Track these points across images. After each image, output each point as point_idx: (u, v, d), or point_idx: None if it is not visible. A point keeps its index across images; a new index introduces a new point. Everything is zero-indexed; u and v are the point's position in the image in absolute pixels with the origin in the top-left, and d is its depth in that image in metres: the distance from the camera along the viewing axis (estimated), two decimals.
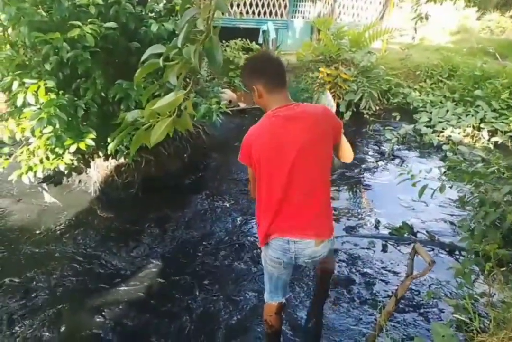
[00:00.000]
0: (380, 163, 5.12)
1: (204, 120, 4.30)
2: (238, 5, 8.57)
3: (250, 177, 1.90)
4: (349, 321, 2.51)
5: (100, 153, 4.20)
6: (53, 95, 3.48)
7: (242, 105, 7.09)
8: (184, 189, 4.39)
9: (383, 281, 2.86)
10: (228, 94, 6.58)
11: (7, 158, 3.93)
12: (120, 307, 2.66)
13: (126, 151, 3.91)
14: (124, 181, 4.14)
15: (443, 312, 2.60)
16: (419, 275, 1.94)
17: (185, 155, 4.77)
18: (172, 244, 3.34)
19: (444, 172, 4.71)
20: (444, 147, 5.59)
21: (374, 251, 3.22)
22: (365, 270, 2.97)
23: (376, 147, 5.70)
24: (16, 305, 2.64)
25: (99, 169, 4.25)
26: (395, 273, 2.94)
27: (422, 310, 2.61)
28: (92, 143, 3.66)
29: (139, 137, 1.30)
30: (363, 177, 4.72)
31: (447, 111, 6.49)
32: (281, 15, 8.98)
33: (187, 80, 3.46)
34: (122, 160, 4.12)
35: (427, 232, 3.48)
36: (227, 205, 4.02)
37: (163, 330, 2.47)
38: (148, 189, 4.13)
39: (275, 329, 2.11)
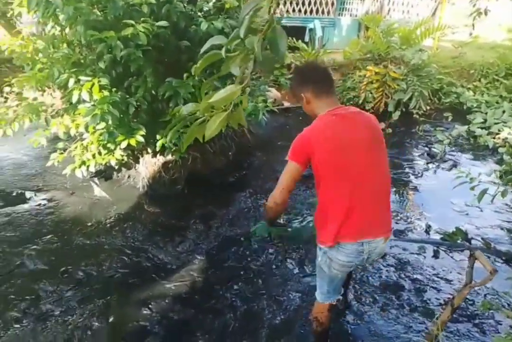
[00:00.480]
0: (430, 165, 4.90)
1: (250, 118, 4.29)
2: (284, 4, 8.51)
3: (290, 178, 1.72)
4: (398, 328, 2.41)
5: (149, 150, 4.29)
6: (106, 93, 3.59)
7: (287, 104, 7.03)
8: (228, 186, 4.40)
9: (434, 288, 2.72)
10: (273, 92, 6.54)
11: (61, 153, 4.10)
12: (166, 301, 2.69)
13: (174, 148, 3.97)
14: (171, 177, 4.21)
15: (500, 324, 2.45)
16: (479, 284, 1.82)
17: (230, 153, 4.79)
18: (216, 241, 3.35)
19: (500, 176, 4.46)
20: (500, 150, 5.27)
21: (425, 257, 3.08)
22: (415, 276, 2.84)
23: (426, 149, 5.46)
24: (69, 294, 2.74)
25: (147, 165, 4.35)
26: (448, 281, 2.79)
27: (477, 321, 2.46)
28: (142, 139, 3.74)
29: (193, 132, 1.29)
30: (412, 180, 4.54)
31: (504, 112, 6.13)
32: (328, 13, 8.83)
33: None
34: (169, 157, 4.19)
35: (482, 238, 3.29)
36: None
37: (207, 326, 2.48)
38: (193, 185, 4.18)
39: (325, 326, 2.09)
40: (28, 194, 4.09)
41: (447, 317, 1.91)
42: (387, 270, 2.90)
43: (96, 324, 2.47)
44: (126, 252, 3.21)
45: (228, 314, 2.57)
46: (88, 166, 4.03)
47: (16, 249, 3.20)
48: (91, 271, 2.98)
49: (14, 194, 4.10)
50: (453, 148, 5.49)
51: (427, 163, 4.98)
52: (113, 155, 4.04)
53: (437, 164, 4.96)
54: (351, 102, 6.60)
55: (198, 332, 2.42)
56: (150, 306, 2.64)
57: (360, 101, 6.45)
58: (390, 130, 5.83)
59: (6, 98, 6.64)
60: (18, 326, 2.46)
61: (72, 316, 2.54)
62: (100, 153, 4.08)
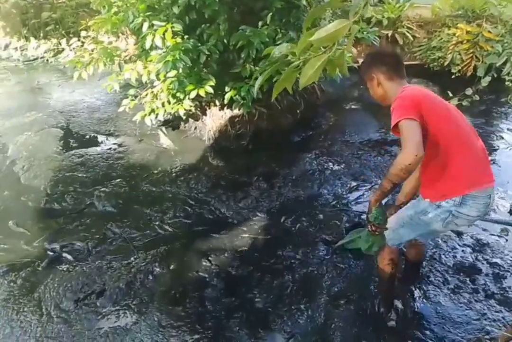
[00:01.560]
0: None
1: (323, 74, 3.98)
2: None
3: (418, 131, 1.53)
4: (470, 314, 2.20)
5: (217, 102, 4.17)
6: (179, 39, 3.44)
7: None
8: (293, 145, 4.21)
9: None
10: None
11: (133, 100, 4.10)
12: (226, 255, 2.66)
13: (242, 102, 3.81)
14: (237, 132, 4.09)
15: None
16: None
17: (298, 111, 4.55)
18: (278, 200, 3.24)
19: None
20: None
21: (507, 240, 2.76)
22: (494, 260, 2.56)
23: None
24: (133, 237, 2.80)
25: (214, 118, 4.25)
26: None
27: None
28: (211, 90, 3.61)
29: (287, 77, 1.10)
30: (497, 154, 4.06)
31: None
32: None
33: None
34: (236, 111, 4.04)
35: None
36: (338, 167, 3.76)
37: (264, 285, 2.42)
38: (258, 142, 4.04)
39: (399, 268, 2.10)
40: (100, 138, 4.18)
41: None
42: (462, 250, 2.64)
43: (158, 269, 2.50)
44: (190, 202, 3.20)
45: (286, 276, 2.49)
46: (157, 114, 4.01)
47: (87, 190, 3.30)
48: (156, 218, 3.01)
49: (87, 137, 4.22)
50: None
51: None
52: (181, 105, 3.97)
53: None
54: (436, 63, 5.96)
55: (255, 290, 2.37)
56: (209, 258, 2.62)
57: (446, 63, 5.81)
58: (477, 97, 5.22)
59: (83, 42, 6.78)
60: (83, 263, 2.55)
61: (136, 259, 2.59)
62: (169, 102, 4.03)
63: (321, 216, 3.03)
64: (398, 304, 2.26)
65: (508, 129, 4.68)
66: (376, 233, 1.81)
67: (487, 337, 2.04)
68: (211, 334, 2.06)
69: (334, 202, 3.22)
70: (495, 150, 4.15)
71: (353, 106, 5.18)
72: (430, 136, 1.67)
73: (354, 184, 3.48)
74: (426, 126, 1.63)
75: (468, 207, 1.67)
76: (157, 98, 4.08)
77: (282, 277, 2.47)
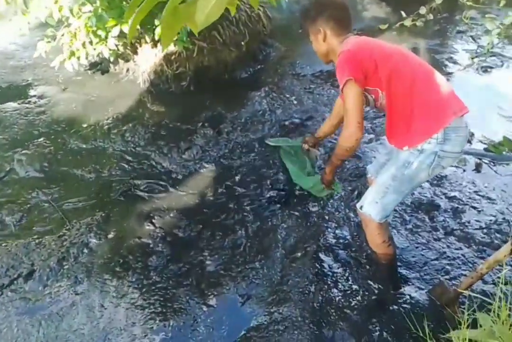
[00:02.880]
0: (475, 60, 4.11)
1: None
2: None
3: (359, 105, 1.53)
4: (429, 254, 2.08)
5: (147, 39, 3.58)
6: None
7: None
8: (240, 83, 3.78)
9: (474, 208, 2.32)
10: None
11: (49, 42, 3.45)
12: (171, 215, 2.38)
13: (176, 37, 3.28)
14: (175, 72, 3.58)
15: None
16: None
17: (243, 43, 4.01)
18: (227, 148, 2.91)
19: None
20: None
21: (465, 171, 2.62)
22: (452, 193, 2.43)
23: (472, 41, 4.57)
24: (63, 204, 2.44)
25: (147, 57, 3.68)
26: (490, 200, 2.38)
27: None
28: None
29: (176, 17, 0.71)
30: (453, 77, 3.83)
31: None
32: None
33: None
34: (172, 47, 3.50)
35: None
36: (289, 105, 3.42)
37: (216, 244, 2.19)
38: (200, 82, 3.58)
39: (394, 245, 1.86)
40: (16, 90, 3.58)
41: (504, 256, 1.54)
42: (421, 186, 2.48)
43: (94, 240, 2.20)
44: (127, 158, 2.82)
45: (239, 231, 2.26)
46: (78, 57, 3.43)
47: (6, 154, 2.83)
48: (88, 179, 2.64)
49: (1, 90, 3.59)
50: (504, 40, 4.57)
51: (472, 58, 4.17)
52: (105, 45, 3.39)
53: (483, 59, 4.16)
54: None
55: (205, 252, 2.14)
56: (153, 220, 2.33)
57: None
58: (431, 16, 4.79)
59: None
60: (7, 241, 2.20)
61: (68, 231, 2.26)
62: (91, 42, 3.42)
63: (274, 160, 2.76)
64: (353, 249, 2.12)
65: (463, 49, 4.42)
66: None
67: (446, 277, 1.95)
68: (159, 308, 1.85)
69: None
70: (450, 74, 3.91)
71: (304, 34, 4.69)
72: (386, 89, 1.57)
73: (308, 123, 3.18)
74: (378, 82, 1.57)
75: (452, 142, 1.54)
76: (76, 39, 3.46)
77: (234, 234, 2.25)
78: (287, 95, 3.52)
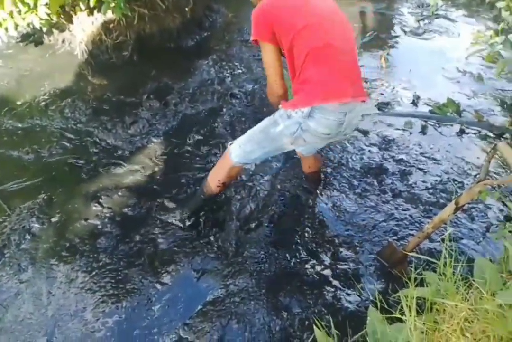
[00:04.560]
0: (421, 23, 4.08)
1: None
2: None
3: (274, 62, 1.52)
4: (377, 217, 2.09)
5: (82, 6, 3.25)
6: None
7: None
8: (186, 52, 3.56)
9: (421, 170, 2.35)
10: None
11: None
12: (119, 193, 2.24)
13: (114, 4, 2.98)
14: (115, 41, 3.31)
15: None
16: (498, 182, 1.39)
17: (187, 9, 3.75)
18: (175, 120, 2.76)
19: (496, 35, 3.77)
20: (498, 4, 4.39)
21: (411, 133, 2.63)
22: (400, 156, 2.44)
23: (417, 3, 4.52)
24: (0, 189, 2.24)
25: (84, 26, 3.37)
26: (436, 161, 2.41)
27: (477, 222, 2.09)
28: None
29: None
30: (399, 40, 3.79)
31: None
32: None
33: None
34: (110, 15, 3.20)
35: (475, 111, 2.82)
36: (239, 73, 3.27)
37: (167, 220, 2.09)
38: (143, 52, 3.34)
39: (218, 193, 1.91)
40: None
41: (448, 215, 1.55)
42: (369, 150, 2.47)
43: (36, 225, 2.03)
44: (68, 136, 2.61)
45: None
46: (6, 28, 3.07)
47: None
48: (27, 160, 2.42)
49: None
50: (448, 2, 4.56)
51: (418, 20, 4.14)
52: (35, 14, 3.04)
53: (428, 21, 4.14)
54: None
55: (157, 229, 2.04)
56: (100, 200, 2.18)
57: None
58: None
59: None
60: None
61: (8, 217, 2.07)
62: (19, 12, 3.05)
63: (226, 130, 2.64)
64: (305, 216, 2.10)
65: (409, 12, 4.37)
66: None
67: (395, 238, 1.98)
68: (111, 291, 1.75)
69: (238, 113, 2.82)
70: (396, 37, 3.88)
71: None
72: (287, 47, 1.48)
73: (257, 88, 3.06)
74: (280, 39, 1.48)
75: (316, 121, 1.49)
76: (2, 8, 3.07)
77: (185, 209, 2.15)
78: (236, 63, 3.37)
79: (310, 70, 1.47)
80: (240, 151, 1.68)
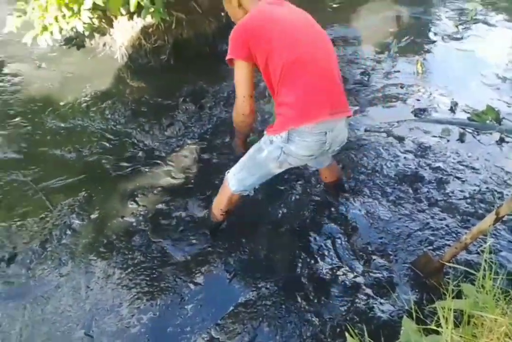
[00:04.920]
0: (460, 28, 3.98)
1: None
2: None
3: (245, 80, 1.48)
4: (412, 225, 2.05)
5: (123, 11, 3.36)
6: None
7: None
8: (221, 56, 3.53)
9: (458, 178, 2.28)
10: None
11: (19, 16, 3.21)
12: (154, 192, 2.30)
13: (153, 9, 3.07)
14: (153, 45, 3.40)
15: None
16: None
17: (222, 14, 3.81)
18: (210, 123, 2.80)
19: None
20: None
21: (449, 141, 2.57)
22: (436, 164, 2.38)
23: (455, 7, 4.42)
24: (45, 186, 2.33)
25: (124, 31, 3.47)
26: (474, 170, 2.34)
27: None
28: None
29: None
30: (437, 45, 3.71)
31: None
32: None
33: None
34: (149, 19, 3.29)
35: None
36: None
37: (200, 221, 2.12)
38: (180, 55, 3.41)
39: (223, 220, 1.95)
40: None
41: (488, 226, 1.50)
42: (405, 157, 2.43)
43: (77, 221, 2.11)
44: (107, 136, 2.69)
45: None
46: (51, 32, 3.21)
47: None
48: (69, 159, 2.52)
49: None
50: (488, 7, 4.43)
51: (456, 25, 4.04)
52: (79, 18, 3.17)
53: (467, 26, 4.03)
54: None
55: (190, 229, 2.07)
56: (136, 199, 2.25)
57: None
58: None
59: None
60: None
61: (50, 212, 2.17)
62: (64, 16, 3.19)
63: (258, 134, 2.66)
64: (338, 222, 2.08)
65: (446, 17, 4.27)
66: None
67: (430, 247, 1.93)
68: (145, 288, 1.79)
69: (271, 117, 2.83)
70: (433, 42, 3.80)
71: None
72: (262, 67, 1.47)
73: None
74: (256, 58, 1.47)
75: (295, 144, 1.49)
76: (48, 12, 3.22)
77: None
78: None
79: (285, 91, 1.46)
80: (235, 180, 1.71)
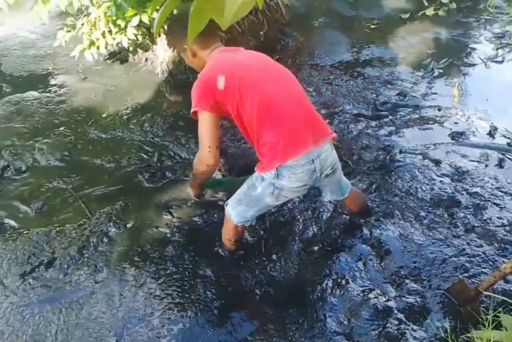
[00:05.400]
0: (500, 51, 3.94)
1: None
2: None
3: (211, 131, 1.49)
4: (447, 251, 2.02)
5: (166, 28, 3.52)
6: None
7: None
8: None
9: (497, 205, 2.24)
10: None
11: (69, 31, 3.42)
12: (188, 204, 2.36)
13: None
14: None
15: None
16: None
17: (261, 33, 3.94)
18: (243, 138, 2.84)
19: None
20: None
21: (487, 166, 2.53)
22: (474, 189, 2.35)
23: (497, 30, 4.38)
24: (84, 194, 2.44)
25: (166, 47, 3.63)
26: None
27: None
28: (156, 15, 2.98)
29: (208, 8, 0.65)
30: (476, 68, 3.68)
31: None
32: None
33: None
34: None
35: None
36: (308, 96, 3.33)
37: None
38: None
39: (237, 249, 2.00)
40: (37, 79, 3.56)
41: None
42: (441, 181, 2.40)
43: (113, 229, 2.20)
44: (145, 148, 2.80)
45: (257, 223, 2.23)
46: (98, 47, 3.39)
47: (27, 142, 2.83)
48: (107, 169, 2.63)
49: (22, 79, 3.59)
50: None
51: (497, 48, 4.00)
52: (125, 35, 3.34)
53: (508, 50, 3.99)
54: None
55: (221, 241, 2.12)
56: (170, 210, 2.32)
57: None
58: (454, 5, 4.64)
59: None
60: (31, 229, 2.22)
61: (88, 219, 2.27)
62: (110, 32, 3.38)
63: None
64: (369, 243, 2.07)
65: (486, 40, 4.23)
66: None
67: (466, 274, 1.90)
68: (177, 299, 1.84)
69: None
70: (472, 65, 3.76)
71: (322, 23, 4.55)
72: (234, 115, 1.51)
73: (323, 112, 3.11)
74: (225, 107, 1.49)
75: (286, 179, 1.52)
76: (96, 28, 3.42)
77: (250, 225, 2.21)
78: (306, 86, 3.44)
79: (265, 132, 1.49)
80: (235, 213, 1.74)
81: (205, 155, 1.51)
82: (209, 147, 1.49)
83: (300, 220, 2.24)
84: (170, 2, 0.66)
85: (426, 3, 4.63)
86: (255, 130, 1.51)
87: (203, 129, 1.50)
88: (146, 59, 3.78)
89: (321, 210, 2.30)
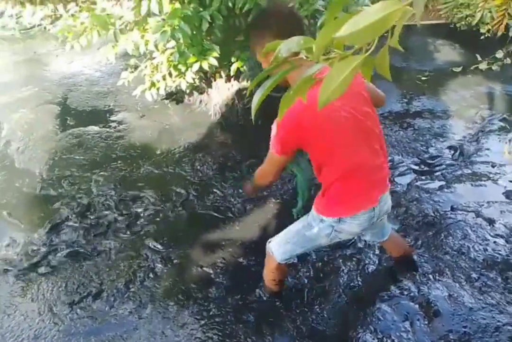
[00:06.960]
0: None
1: None
2: None
3: (277, 169, 1.53)
4: (500, 318, 1.95)
5: (222, 74, 3.80)
6: (178, 4, 3.05)
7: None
8: None
9: None
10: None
11: (132, 72, 3.77)
12: (234, 246, 2.44)
13: (249, 73, 3.46)
14: (245, 106, 3.75)
15: None
16: None
17: None
18: (292, 184, 2.96)
19: None
20: None
21: None
22: None
23: None
24: (131, 228, 2.59)
25: (220, 91, 3.90)
26: None
27: None
28: (215, 62, 3.24)
29: (299, 90, 0.76)
30: None
31: None
32: None
33: None
34: (244, 83, 3.68)
35: None
36: None
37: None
38: (268, 117, 3.67)
39: (280, 289, 2.05)
40: (99, 115, 3.90)
41: None
42: (494, 242, 2.36)
43: (159, 265, 2.30)
44: (194, 187, 2.95)
45: (301, 269, 2.26)
46: (158, 88, 3.70)
47: (85, 174, 3.07)
48: (156, 205, 2.78)
49: (85, 114, 3.94)
50: None
51: None
52: (184, 78, 3.64)
53: None
54: (463, 22, 5.38)
55: (264, 287, 2.16)
56: (216, 250, 2.40)
57: (475, 22, 5.22)
58: (508, 60, 4.72)
59: (81, 7, 6.29)
60: (81, 259, 2.36)
61: (137, 254, 2.39)
62: (170, 75, 3.69)
63: None
64: (417, 301, 2.04)
65: None
66: None
67: None
68: None
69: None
70: None
71: (373, 73, 4.73)
72: (312, 158, 1.51)
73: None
74: (307, 150, 1.47)
75: (348, 224, 1.56)
76: (157, 71, 3.75)
77: (295, 270, 2.25)
78: None
79: (338, 183, 1.48)
80: (280, 251, 1.76)
81: (268, 177, 1.60)
82: (272, 174, 1.57)
83: (345, 271, 2.25)
84: (269, 88, 0.78)
85: (479, 58, 4.74)
86: (327, 179, 1.50)
87: (271, 169, 1.55)
88: (201, 101, 4.05)
89: (366, 261, 2.31)
